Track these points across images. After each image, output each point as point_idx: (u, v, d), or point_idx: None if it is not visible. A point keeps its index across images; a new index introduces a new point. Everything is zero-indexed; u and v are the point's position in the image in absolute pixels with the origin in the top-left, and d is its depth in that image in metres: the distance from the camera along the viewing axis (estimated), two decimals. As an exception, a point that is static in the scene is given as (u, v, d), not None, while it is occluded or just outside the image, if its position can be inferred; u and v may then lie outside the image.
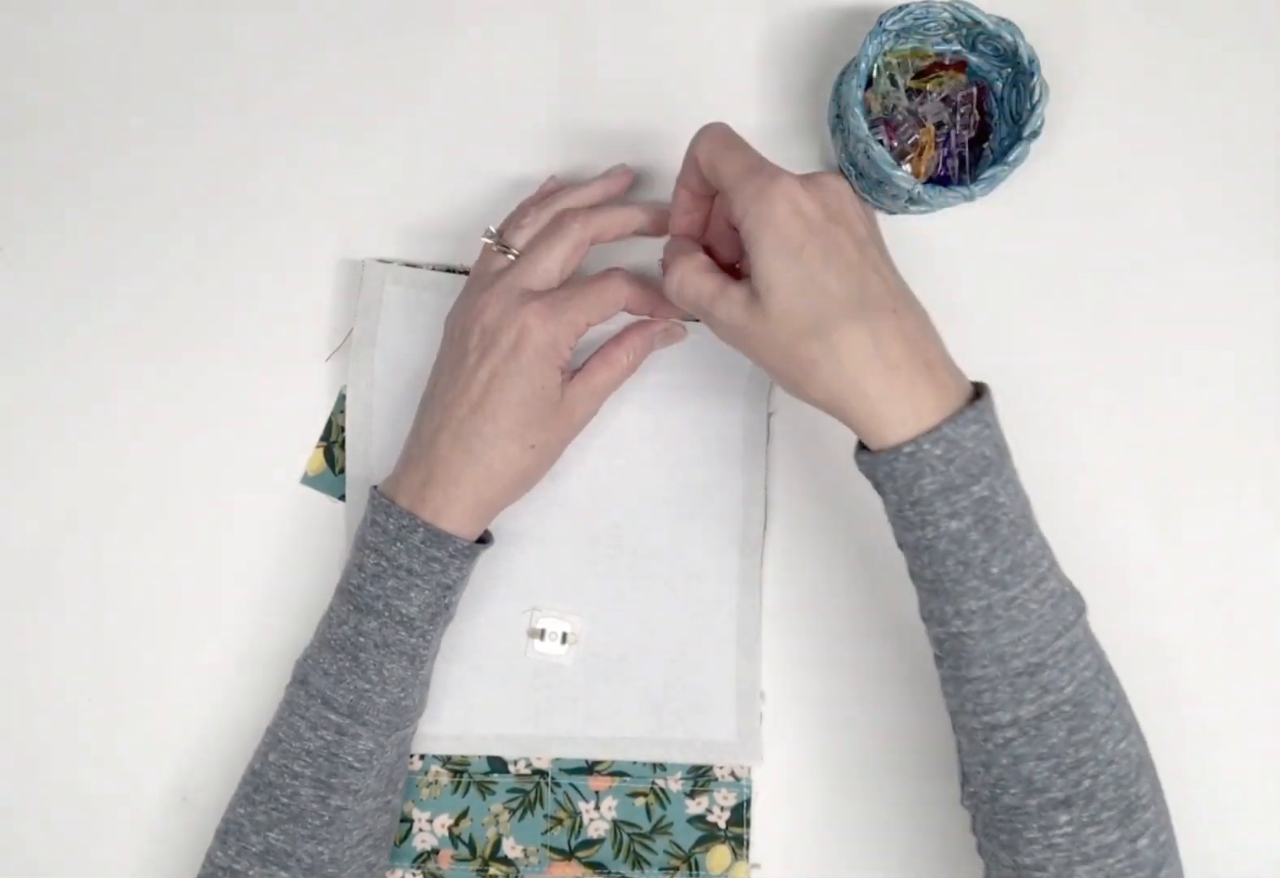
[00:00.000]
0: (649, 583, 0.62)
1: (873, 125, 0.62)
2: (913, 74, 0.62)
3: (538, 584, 0.62)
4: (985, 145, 0.63)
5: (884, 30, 0.58)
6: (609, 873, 0.62)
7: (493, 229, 0.59)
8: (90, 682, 0.63)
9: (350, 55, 0.66)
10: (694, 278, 0.52)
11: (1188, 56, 0.65)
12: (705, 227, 0.57)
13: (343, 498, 0.63)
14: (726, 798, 0.62)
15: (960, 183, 0.62)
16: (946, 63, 0.62)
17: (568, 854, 0.62)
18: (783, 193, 0.49)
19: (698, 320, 0.61)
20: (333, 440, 0.64)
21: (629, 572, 0.62)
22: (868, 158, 0.58)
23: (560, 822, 0.62)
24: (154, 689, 0.63)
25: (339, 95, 0.66)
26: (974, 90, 0.62)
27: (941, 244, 0.64)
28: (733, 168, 0.51)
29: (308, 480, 0.64)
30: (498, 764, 0.62)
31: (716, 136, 0.53)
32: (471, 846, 0.62)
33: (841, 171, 0.64)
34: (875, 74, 0.62)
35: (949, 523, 0.48)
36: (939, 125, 0.62)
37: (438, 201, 0.65)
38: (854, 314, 0.48)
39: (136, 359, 0.65)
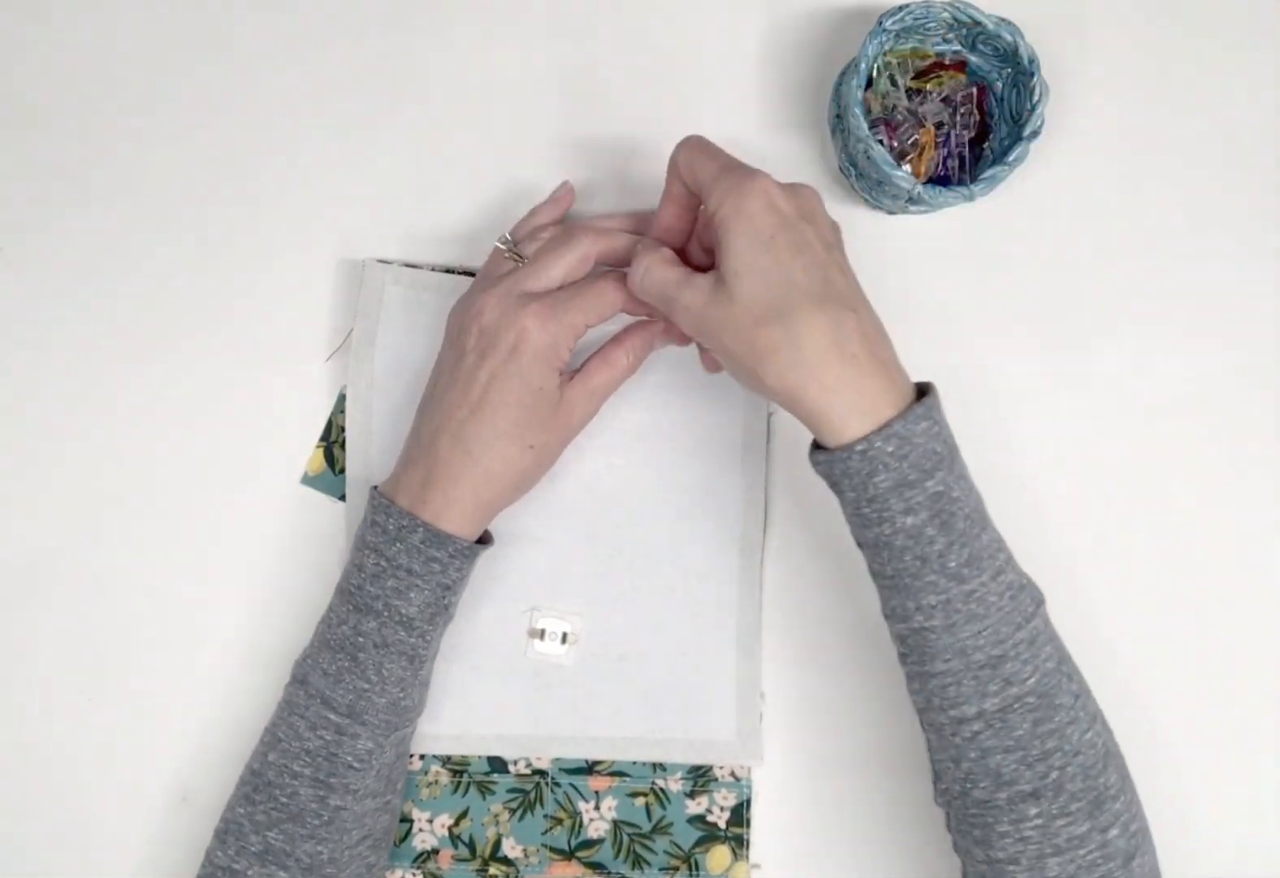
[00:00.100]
0: (649, 583, 0.62)
1: (873, 125, 0.62)
2: (913, 74, 0.62)
3: (538, 584, 0.62)
4: (985, 145, 0.63)
5: (884, 30, 0.58)
6: (609, 873, 0.62)
7: (508, 236, 0.59)
8: (90, 682, 0.63)
9: (350, 56, 0.66)
10: (659, 268, 0.53)
11: (1188, 56, 0.65)
12: (686, 239, 0.58)
13: (343, 498, 0.63)
14: (726, 798, 0.62)
15: (960, 183, 0.62)
16: (946, 63, 0.62)
17: (568, 854, 0.62)
18: (759, 187, 0.50)
19: None
20: (333, 440, 0.64)
21: (629, 572, 0.62)
22: (868, 158, 0.58)
23: (560, 822, 0.62)
24: (154, 689, 0.63)
25: (339, 95, 0.66)
26: (974, 90, 0.62)
27: (941, 244, 0.64)
28: (711, 167, 0.52)
29: (308, 480, 0.64)
30: (498, 764, 0.62)
31: (694, 145, 0.54)
32: (471, 846, 0.62)
33: (841, 171, 0.64)
34: (875, 74, 0.62)
35: (904, 519, 0.49)
36: (939, 125, 0.62)
37: (438, 202, 0.65)
38: (818, 305, 0.49)
39: (136, 359, 0.65)
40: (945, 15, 0.59)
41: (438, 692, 0.61)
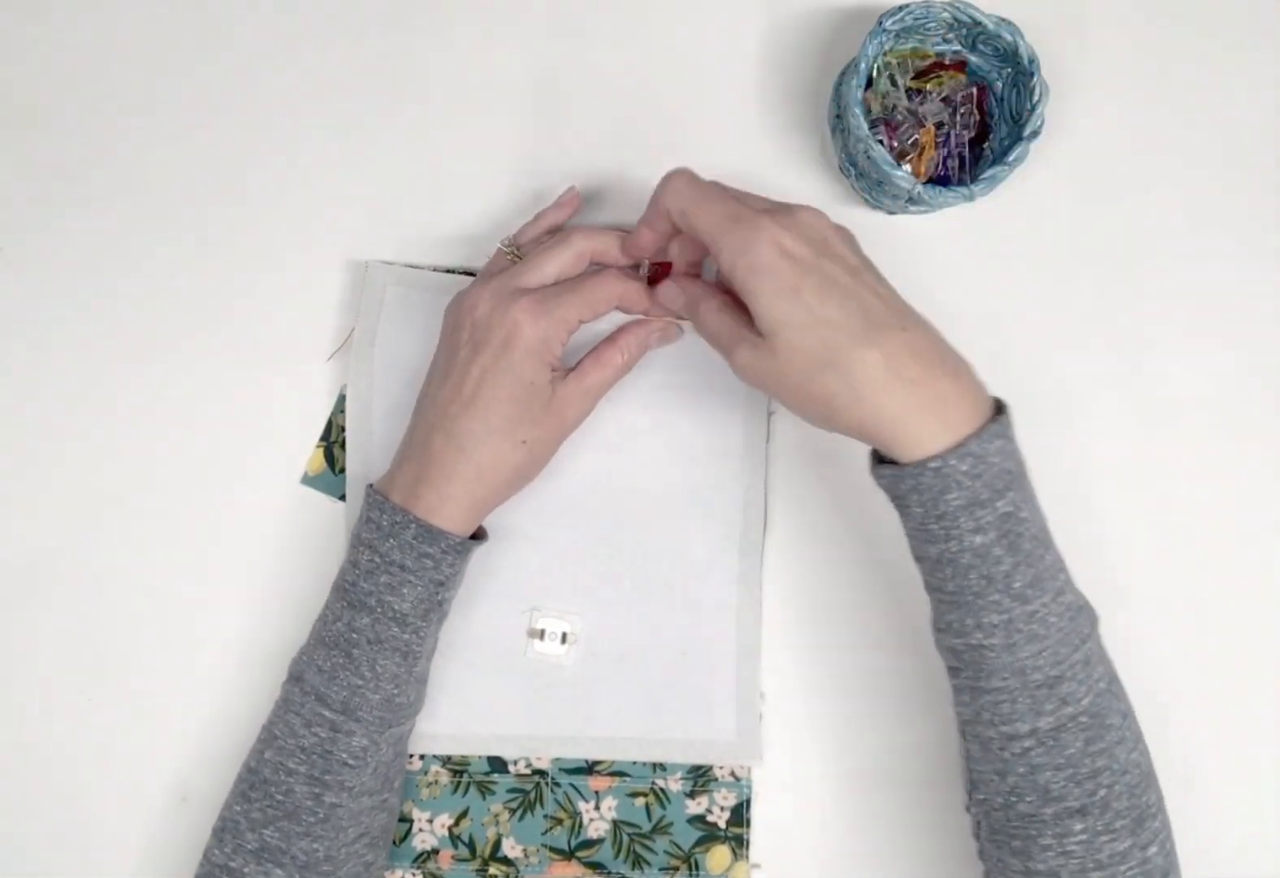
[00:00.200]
0: (649, 583, 0.62)
1: (873, 125, 0.62)
2: (913, 74, 0.62)
3: (537, 584, 0.62)
4: (985, 145, 0.63)
5: (884, 30, 0.58)
6: (609, 873, 0.62)
7: (510, 238, 0.60)
8: (90, 682, 0.63)
9: (350, 56, 0.66)
10: (712, 318, 0.53)
11: (1188, 56, 0.65)
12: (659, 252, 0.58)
13: (343, 498, 0.63)
14: (726, 798, 0.62)
15: (960, 183, 0.62)
16: (946, 63, 0.62)
17: (568, 854, 0.62)
18: (767, 240, 0.49)
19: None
20: (333, 440, 0.64)
21: (629, 572, 0.62)
22: (868, 158, 0.58)
23: (560, 822, 0.62)
24: (154, 689, 0.63)
25: (340, 96, 0.66)
26: (974, 90, 0.62)
27: (941, 244, 0.64)
28: (709, 220, 0.51)
29: (308, 480, 0.64)
30: (498, 764, 0.62)
31: (683, 189, 0.53)
32: (471, 846, 0.62)
33: (841, 171, 0.64)
34: (875, 74, 0.62)
35: (973, 538, 0.48)
36: (939, 125, 0.62)
37: (438, 202, 0.65)
38: (861, 339, 0.48)
39: (136, 359, 0.65)
40: (945, 15, 0.59)
41: (438, 692, 0.61)
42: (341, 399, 0.64)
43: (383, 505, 0.55)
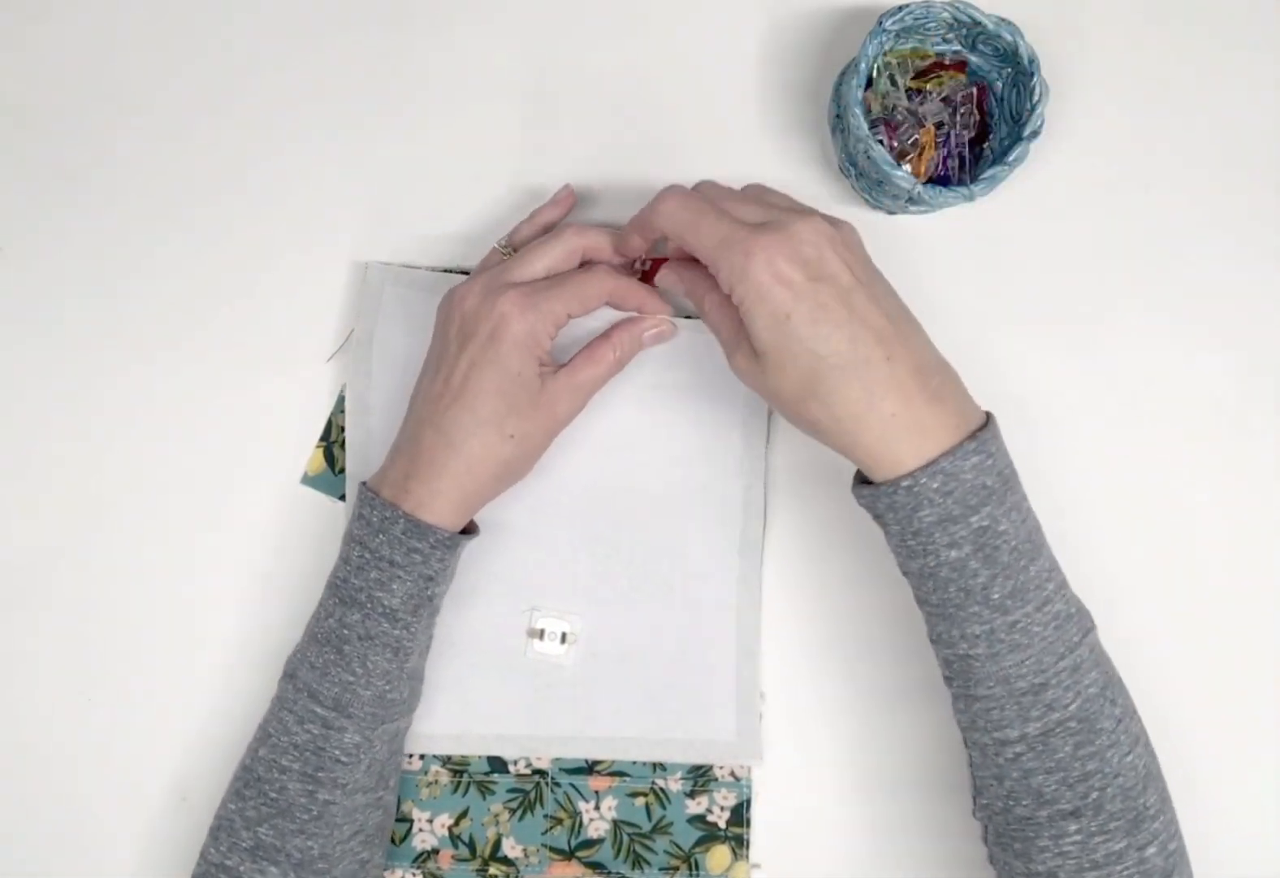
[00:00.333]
0: (648, 583, 0.62)
1: (873, 125, 0.62)
2: (913, 74, 0.62)
3: (537, 584, 0.62)
4: (985, 145, 0.63)
5: (884, 30, 0.58)
6: (609, 873, 0.62)
7: (505, 238, 0.60)
8: (90, 682, 0.63)
9: (350, 56, 0.66)
10: (716, 312, 0.54)
11: (1188, 56, 0.65)
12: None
13: (342, 498, 0.63)
14: (726, 798, 0.62)
15: (960, 183, 0.62)
16: (946, 63, 0.62)
17: (568, 854, 0.62)
18: (763, 264, 0.49)
19: (687, 317, 0.61)
20: (333, 440, 0.64)
21: (628, 572, 0.62)
22: (868, 158, 0.58)
23: (560, 822, 0.62)
24: (154, 689, 0.63)
25: (339, 96, 0.66)
26: (974, 90, 0.62)
27: (941, 244, 0.64)
28: (706, 243, 0.51)
29: (308, 480, 0.64)
30: (498, 764, 0.62)
31: (675, 213, 0.53)
32: (471, 846, 0.62)
33: (841, 171, 0.64)
34: (875, 74, 0.62)
35: (948, 552, 0.50)
36: (939, 125, 0.62)
37: (438, 203, 0.65)
38: (846, 375, 0.49)
39: (136, 359, 0.65)
40: (945, 15, 0.59)
41: (437, 691, 0.61)
42: (341, 399, 0.64)
43: (373, 501, 0.55)
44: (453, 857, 0.62)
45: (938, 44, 0.62)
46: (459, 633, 0.62)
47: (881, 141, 0.62)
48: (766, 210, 0.52)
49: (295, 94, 0.66)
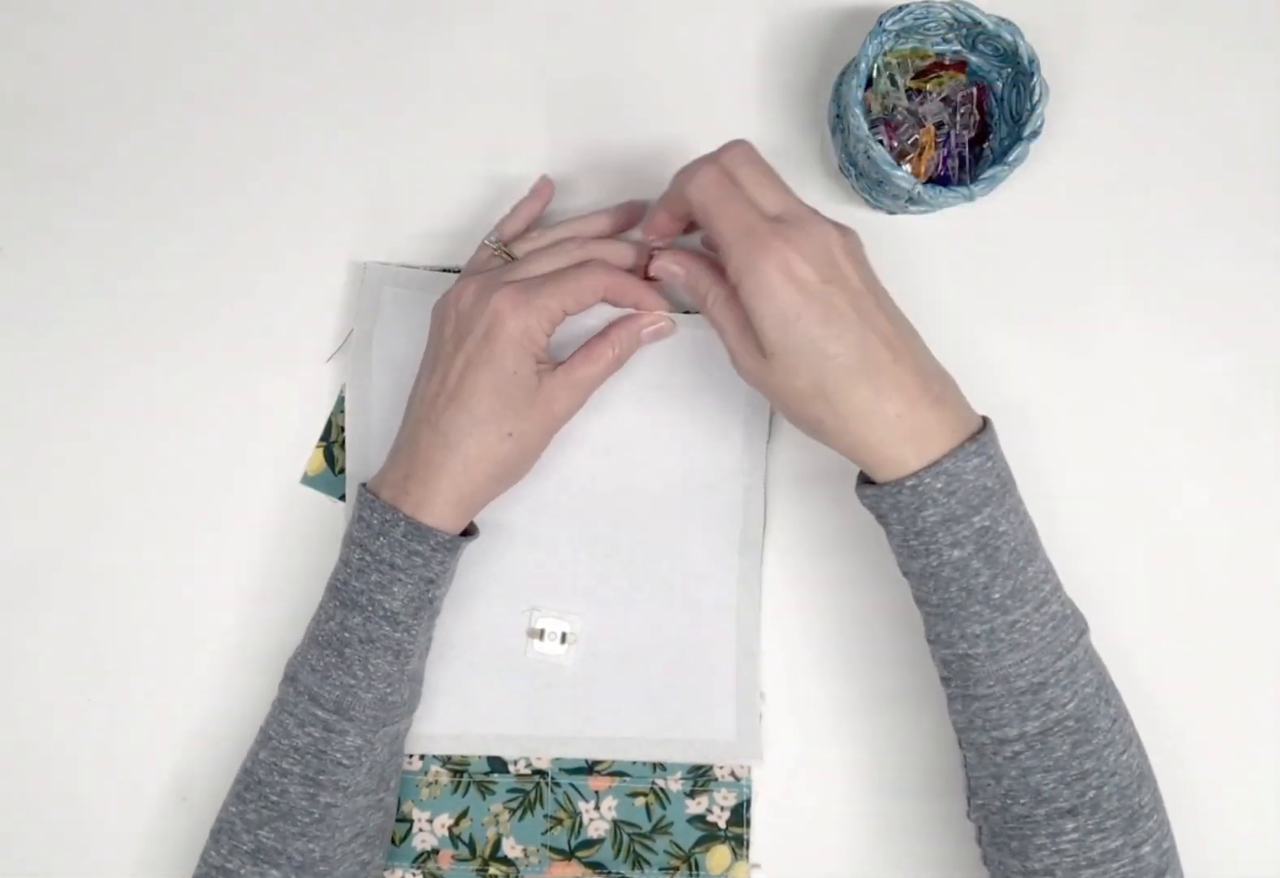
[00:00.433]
0: (648, 583, 0.62)
1: (873, 125, 0.62)
2: (913, 74, 0.62)
3: (537, 584, 0.62)
4: (985, 145, 0.63)
5: (884, 30, 0.58)
6: (609, 873, 0.62)
7: (496, 237, 0.60)
8: (90, 682, 0.63)
9: (350, 56, 0.66)
10: (721, 308, 0.53)
11: (1188, 56, 0.65)
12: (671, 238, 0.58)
13: (342, 498, 0.63)
14: (726, 798, 0.62)
15: (960, 183, 0.62)
16: (946, 63, 0.62)
17: (568, 854, 0.62)
18: (775, 262, 0.49)
19: (685, 312, 0.61)
20: (333, 440, 0.64)
21: (628, 572, 0.62)
22: (868, 158, 0.58)
23: (560, 822, 0.62)
24: (154, 690, 0.63)
25: (340, 97, 0.66)
26: (974, 90, 0.62)
27: (941, 244, 0.64)
28: (727, 226, 0.51)
29: (308, 480, 0.64)
30: (498, 764, 0.62)
31: (709, 187, 0.52)
32: (471, 846, 0.62)
33: (841, 171, 0.64)
34: (875, 74, 0.62)
35: (951, 552, 0.50)
36: (939, 125, 0.62)
37: (438, 203, 0.65)
38: (854, 376, 0.50)
39: (136, 360, 0.65)
40: (945, 15, 0.59)
41: (437, 692, 0.61)
42: (341, 400, 0.64)
43: (373, 503, 0.55)
44: (453, 857, 0.62)
45: (938, 44, 0.62)
46: (459, 633, 0.62)
47: (881, 141, 0.62)
48: (785, 200, 0.52)
49: (294, 94, 0.66)
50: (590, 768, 0.62)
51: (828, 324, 0.49)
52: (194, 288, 0.65)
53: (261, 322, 0.65)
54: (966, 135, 0.63)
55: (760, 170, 0.53)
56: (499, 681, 0.62)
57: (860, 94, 0.58)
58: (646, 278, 0.59)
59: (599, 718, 0.62)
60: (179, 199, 0.65)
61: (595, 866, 0.62)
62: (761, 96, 0.65)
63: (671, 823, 0.62)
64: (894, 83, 0.62)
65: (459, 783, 0.62)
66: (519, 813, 0.62)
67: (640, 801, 0.62)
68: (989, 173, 0.57)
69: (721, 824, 0.62)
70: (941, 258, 0.64)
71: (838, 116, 0.62)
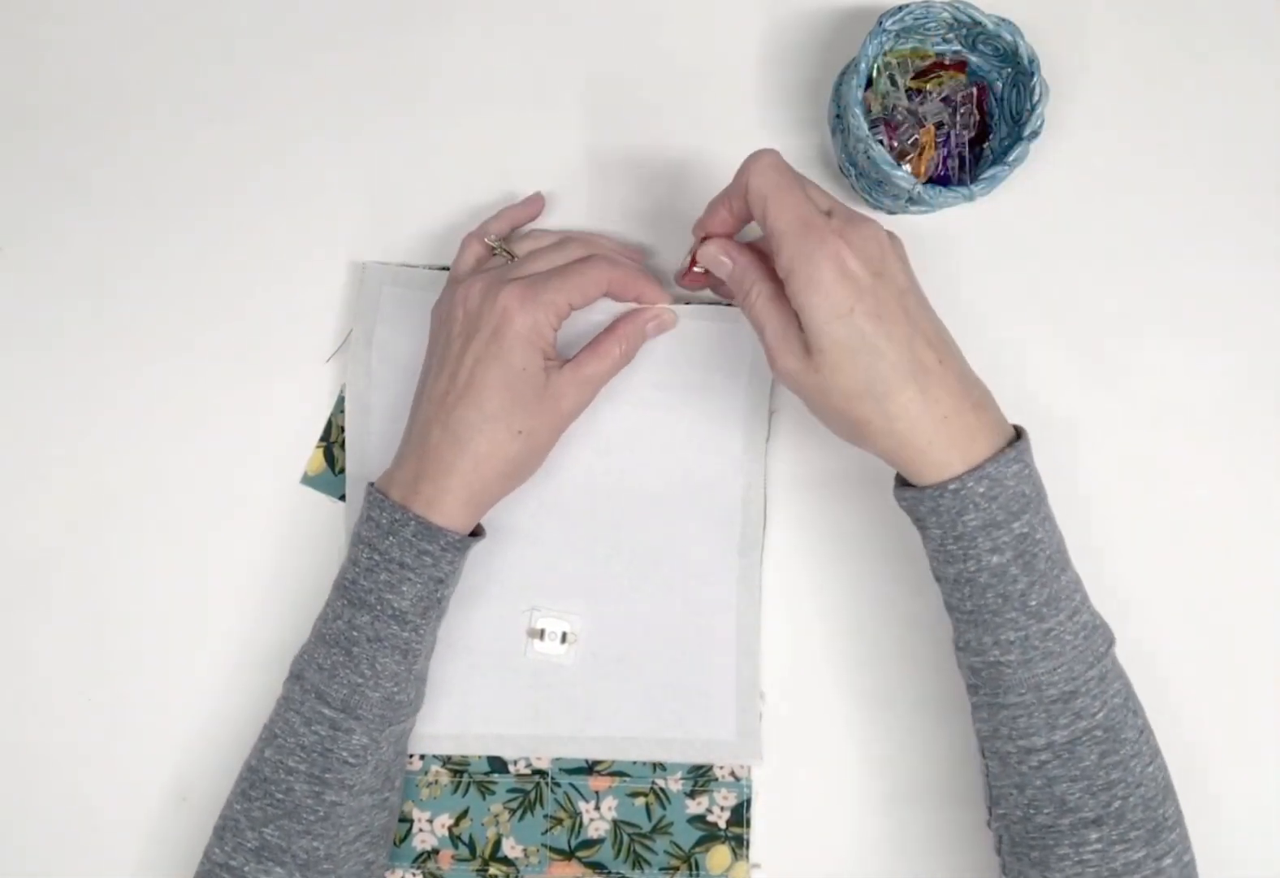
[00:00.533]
0: (648, 583, 0.62)
1: (873, 125, 0.62)
2: (913, 74, 0.62)
3: (537, 584, 0.62)
4: (985, 145, 0.63)
5: (884, 30, 0.58)
6: (609, 873, 0.62)
7: (493, 236, 0.60)
8: (90, 682, 0.63)
9: (350, 57, 0.66)
10: (764, 305, 0.53)
11: (1188, 56, 0.65)
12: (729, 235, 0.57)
13: (343, 498, 0.63)
14: (726, 798, 0.62)
15: (960, 183, 0.62)
16: (946, 63, 0.62)
17: (568, 854, 0.62)
18: (829, 256, 0.49)
19: (686, 304, 0.61)
20: (333, 440, 0.64)
21: (628, 572, 0.62)
22: (868, 158, 0.58)
23: (560, 822, 0.62)
24: (154, 690, 0.63)
25: (340, 97, 0.66)
26: (974, 90, 0.62)
27: (941, 244, 0.64)
28: (783, 219, 0.50)
29: (308, 480, 0.64)
30: (498, 764, 0.62)
31: (769, 172, 0.52)
32: (471, 846, 0.62)
33: (841, 171, 0.64)
34: (875, 74, 0.62)
35: (990, 557, 0.50)
36: (939, 125, 0.62)
37: (436, 203, 0.65)
38: (902, 373, 0.49)
39: (137, 360, 0.65)
40: (945, 15, 0.59)
41: (438, 692, 0.61)
42: (341, 400, 0.64)
43: (382, 503, 0.55)
44: (453, 857, 0.62)
45: (938, 44, 0.62)
46: (459, 633, 0.62)
47: (881, 141, 0.62)
48: (833, 200, 0.53)
49: (294, 94, 0.66)
50: (590, 768, 0.62)
51: (880, 320, 0.49)
52: (194, 288, 0.65)
53: (261, 322, 0.65)
54: (966, 135, 0.63)
55: (801, 174, 0.53)
56: (499, 680, 0.62)
57: (860, 94, 0.58)
58: (692, 266, 0.58)
59: (599, 718, 0.62)
60: (179, 199, 0.65)
61: (595, 866, 0.62)
62: (761, 96, 0.65)
63: (671, 823, 0.62)
64: (894, 83, 0.62)
65: (459, 783, 0.62)
66: (519, 813, 0.62)
67: (640, 801, 0.62)
68: (989, 173, 0.57)
69: (721, 824, 0.62)
70: (941, 258, 0.64)
71: (838, 116, 0.62)
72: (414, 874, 0.62)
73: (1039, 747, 0.51)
